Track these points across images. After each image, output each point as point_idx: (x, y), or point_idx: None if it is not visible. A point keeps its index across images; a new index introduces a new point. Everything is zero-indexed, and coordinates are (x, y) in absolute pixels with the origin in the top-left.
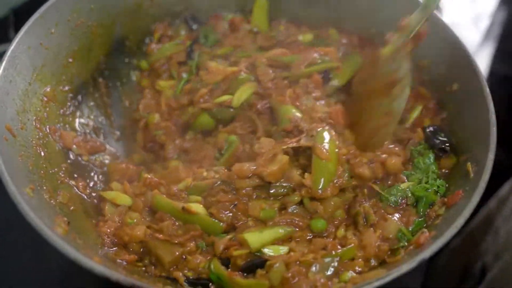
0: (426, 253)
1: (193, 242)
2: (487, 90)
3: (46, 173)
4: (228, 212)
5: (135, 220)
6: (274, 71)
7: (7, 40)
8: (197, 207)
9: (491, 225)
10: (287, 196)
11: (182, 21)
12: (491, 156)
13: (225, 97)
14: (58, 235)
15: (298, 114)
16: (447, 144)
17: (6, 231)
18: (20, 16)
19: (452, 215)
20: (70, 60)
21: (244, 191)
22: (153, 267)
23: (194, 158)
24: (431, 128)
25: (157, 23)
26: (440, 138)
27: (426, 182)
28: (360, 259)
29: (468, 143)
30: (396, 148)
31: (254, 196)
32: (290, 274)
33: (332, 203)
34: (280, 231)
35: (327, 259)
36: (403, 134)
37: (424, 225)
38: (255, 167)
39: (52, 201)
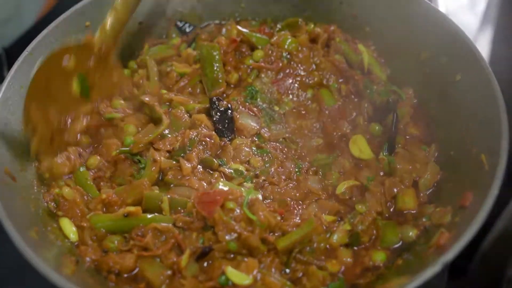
0: (449, 255)
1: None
2: (493, 77)
3: (49, 213)
4: None
5: (116, 242)
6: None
7: (2, 79)
8: (136, 208)
9: None
10: None
11: (173, 26)
12: (505, 144)
13: None
14: (65, 277)
15: None
16: None
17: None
18: (12, 55)
19: (470, 213)
20: None
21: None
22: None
23: None
24: None
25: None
26: None
27: None
28: None
29: (477, 134)
30: None
31: None
32: None
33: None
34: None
35: None
36: None
37: None
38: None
39: (58, 242)
